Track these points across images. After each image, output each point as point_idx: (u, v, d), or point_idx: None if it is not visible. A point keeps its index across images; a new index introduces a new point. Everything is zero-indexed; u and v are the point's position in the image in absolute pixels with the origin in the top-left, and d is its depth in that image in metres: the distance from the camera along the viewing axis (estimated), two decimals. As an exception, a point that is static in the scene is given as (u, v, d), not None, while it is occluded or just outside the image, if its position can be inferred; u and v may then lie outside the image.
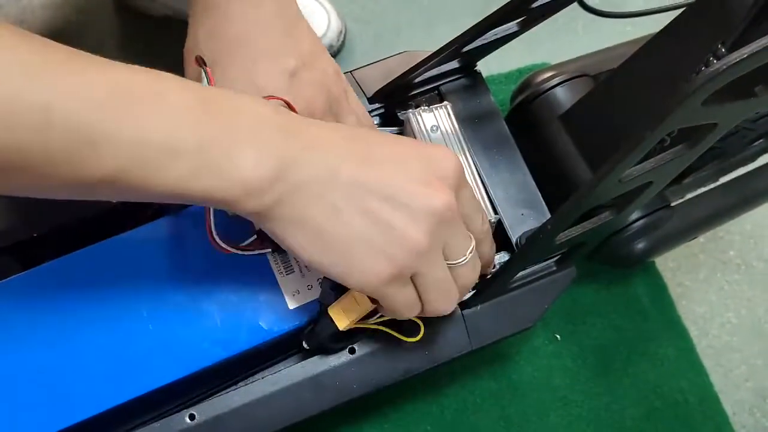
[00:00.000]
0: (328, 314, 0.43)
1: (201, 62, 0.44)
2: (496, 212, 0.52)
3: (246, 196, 0.36)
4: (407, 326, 0.46)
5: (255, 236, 0.46)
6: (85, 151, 0.33)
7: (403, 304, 0.41)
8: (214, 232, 0.43)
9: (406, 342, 0.47)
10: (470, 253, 0.42)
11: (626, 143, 0.38)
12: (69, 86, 0.32)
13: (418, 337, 0.46)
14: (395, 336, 0.47)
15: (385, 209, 0.38)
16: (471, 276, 0.43)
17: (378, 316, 0.45)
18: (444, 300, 0.42)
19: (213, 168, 0.35)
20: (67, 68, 0.33)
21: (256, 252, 0.45)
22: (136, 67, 0.35)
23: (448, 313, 0.43)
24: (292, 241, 0.38)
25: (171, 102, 0.34)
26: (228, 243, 0.44)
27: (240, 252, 0.45)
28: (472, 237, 0.42)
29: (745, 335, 0.80)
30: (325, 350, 0.49)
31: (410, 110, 0.53)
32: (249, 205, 0.36)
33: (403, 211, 0.38)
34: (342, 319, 0.44)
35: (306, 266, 0.48)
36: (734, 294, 0.82)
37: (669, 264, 0.80)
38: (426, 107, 0.53)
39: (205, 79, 0.43)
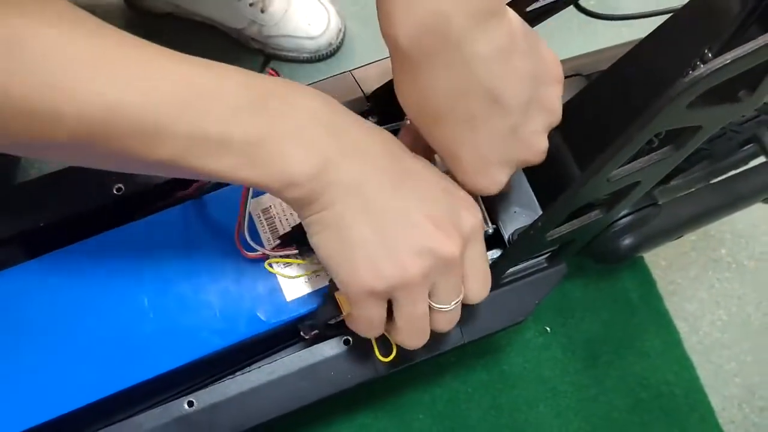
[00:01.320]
0: (335, 298, 0.44)
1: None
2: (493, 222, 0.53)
3: (287, 187, 0.38)
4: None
5: (279, 241, 0.48)
6: (145, 139, 0.35)
7: (366, 320, 0.43)
8: (246, 238, 0.48)
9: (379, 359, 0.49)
10: (455, 304, 0.43)
11: (614, 144, 0.39)
12: (134, 80, 0.34)
13: (389, 358, 0.48)
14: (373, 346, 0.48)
15: (396, 232, 0.39)
16: (445, 325, 0.44)
17: None
18: (413, 336, 0.44)
19: (261, 161, 0.37)
20: (132, 60, 0.35)
21: (280, 254, 0.48)
22: (196, 59, 0.37)
23: (412, 349, 0.44)
24: (315, 227, 0.40)
25: (227, 98, 0.36)
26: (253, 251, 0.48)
27: (265, 255, 0.48)
28: (462, 291, 0.43)
29: (734, 332, 0.81)
30: (320, 335, 0.50)
31: (407, 118, 0.53)
32: (288, 194, 0.39)
33: (407, 242, 0.39)
34: (347, 305, 0.44)
35: None
36: (725, 292, 0.83)
37: (660, 262, 0.80)
38: None
39: None
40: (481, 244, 0.44)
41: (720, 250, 0.85)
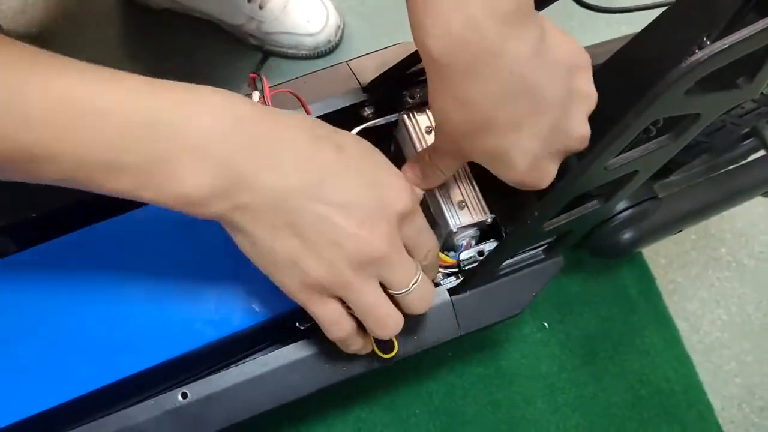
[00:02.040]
0: None
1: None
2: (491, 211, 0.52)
3: (190, 206, 0.37)
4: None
5: None
6: (29, 164, 0.34)
7: (327, 321, 0.43)
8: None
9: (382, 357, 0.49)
10: (414, 284, 0.42)
11: (611, 131, 0.39)
12: (6, 104, 0.33)
13: (391, 355, 0.48)
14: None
15: (319, 242, 0.39)
16: (418, 305, 0.44)
17: None
18: (379, 326, 0.43)
19: (155, 184, 0.36)
20: (10, 79, 0.33)
21: None
22: (89, 71, 0.35)
23: (391, 336, 0.44)
24: (237, 241, 0.41)
25: (113, 120, 0.34)
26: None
27: None
28: (418, 266, 0.43)
29: (735, 332, 0.81)
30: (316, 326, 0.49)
31: (404, 112, 0.53)
32: (196, 212, 0.38)
33: (334, 248, 0.39)
34: None
35: None
36: (725, 291, 0.83)
37: (660, 260, 0.80)
38: (416, 101, 0.53)
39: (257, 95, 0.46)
40: (418, 217, 0.43)
41: (720, 249, 0.85)
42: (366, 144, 0.43)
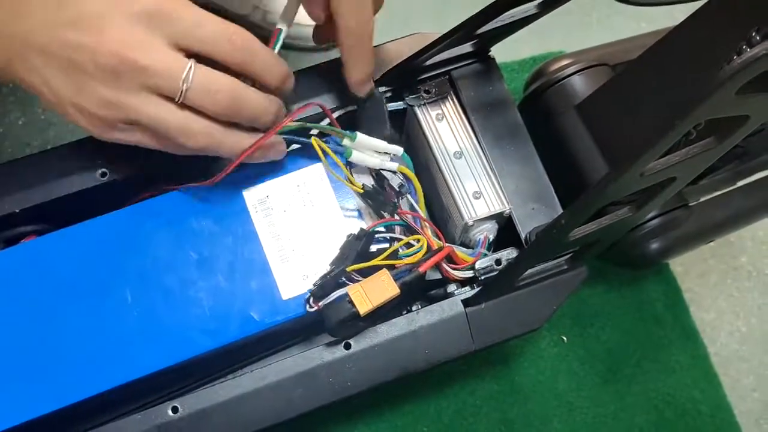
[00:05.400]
0: (349, 294, 0.43)
1: None
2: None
3: None
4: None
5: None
6: None
7: (143, 143, 0.43)
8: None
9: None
10: (183, 83, 0.40)
11: (653, 134, 0.35)
12: None
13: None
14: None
15: (71, 69, 0.40)
16: (215, 96, 0.41)
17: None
18: (183, 135, 0.42)
19: None
20: None
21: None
22: None
23: (202, 146, 0.42)
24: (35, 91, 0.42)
25: None
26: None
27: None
28: (184, 62, 0.40)
29: (754, 344, 0.78)
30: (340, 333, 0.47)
31: (415, 104, 0.52)
32: None
33: (80, 72, 0.40)
34: (363, 302, 0.43)
35: None
36: (744, 301, 0.80)
37: (677, 268, 0.78)
38: (431, 96, 0.52)
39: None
40: (184, 13, 0.41)
41: (740, 258, 0.82)
42: None
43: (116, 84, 0.40)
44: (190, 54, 0.41)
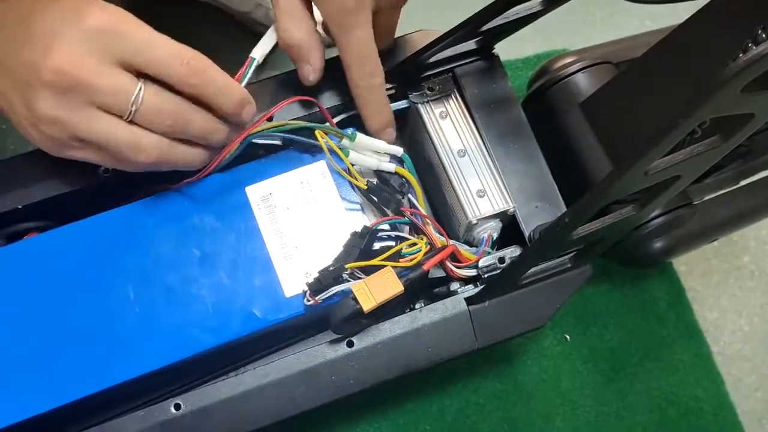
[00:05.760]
0: (353, 292, 0.43)
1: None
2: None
3: None
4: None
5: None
6: None
7: (98, 161, 0.43)
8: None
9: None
10: (132, 104, 0.40)
11: (657, 132, 0.35)
12: None
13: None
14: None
15: (21, 88, 0.40)
16: (163, 117, 0.41)
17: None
18: (131, 150, 0.41)
19: None
20: None
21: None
22: None
23: (151, 160, 0.42)
24: None
25: None
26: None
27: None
28: (133, 83, 0.40)
29: (756, 344, 0.78)
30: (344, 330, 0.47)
31: (419, 101, 0.51)
32: None
33: (29, 89, 0.40)
34: (367, 299, 0.43)
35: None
36: (747, 301, 0.80)
37: (681, 267, 0.78)
38: (435, 94, 0.52)
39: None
40: (132, 32, 0.41)
41: (743, 257, 0.82)
42: None
43: (63, 101, 0.40)
44: (140, 74, 0.41)
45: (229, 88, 0.44)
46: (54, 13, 0.40)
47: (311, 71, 0.47)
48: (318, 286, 0.45)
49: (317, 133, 0.47)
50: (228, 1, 0.83)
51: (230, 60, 0.84)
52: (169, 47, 0.41)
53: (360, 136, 0.48)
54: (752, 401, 0.75)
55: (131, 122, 0.41)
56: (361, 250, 0.46)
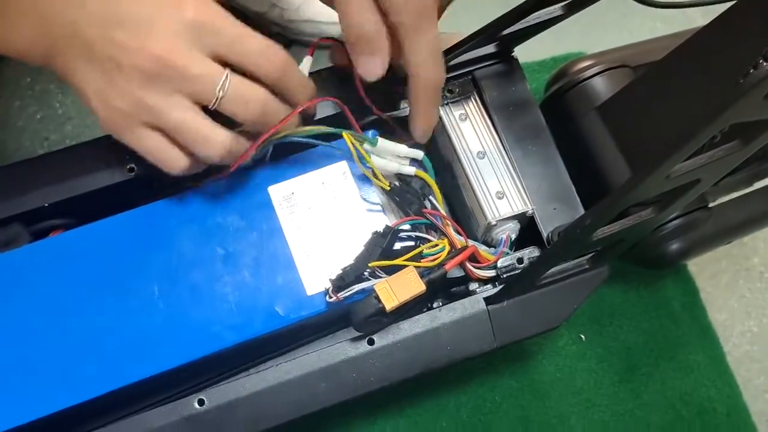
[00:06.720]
0: (375, 291, 0.43)
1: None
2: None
3: (23, 59, 0.43)
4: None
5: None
6: None
7: (151, 154, 0.44)
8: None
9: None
10: (219, 89, 0.42)
11: (680, 137, 0.36)
12: None
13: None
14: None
15: (109, 68, 0.41)
16: (246, 107, 0.43)
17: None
18: (200, 141, 0.43)
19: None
20: None
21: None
22: None
23: (218, 154, 0.43)
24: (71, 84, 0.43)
25: None
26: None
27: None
28: (221, 72, 0.42)
29: (765, 345, 0.78)
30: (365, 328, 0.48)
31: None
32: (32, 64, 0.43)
33: (118, 70, 0.41)
34: (390, 298, 0.43)
35: None
36: (756, 302, 0.80)
37: (691, 268, 0.78)
38: (455, 96, 0.52)
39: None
40: (227, 27, 0.42)
41: (752, 259, 0.82)
42: None
43: (150, 86, 0.41)
44: (226, 65, 0.42)
45: (307, 83, 0.46)
46: (150, 0, 0.41)
47: (380, 65, 0.45)
48: (340, 283, 0.46)
49: (345, 136, 0.47)
50: (244, 1, 0.84)
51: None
52: (260, 42, 0.43)
53: (382, 141, 0.48)
54: (761, 402, 0.75)
55: (214, 111, 0.42)
56: (383, 249, 0.47)
